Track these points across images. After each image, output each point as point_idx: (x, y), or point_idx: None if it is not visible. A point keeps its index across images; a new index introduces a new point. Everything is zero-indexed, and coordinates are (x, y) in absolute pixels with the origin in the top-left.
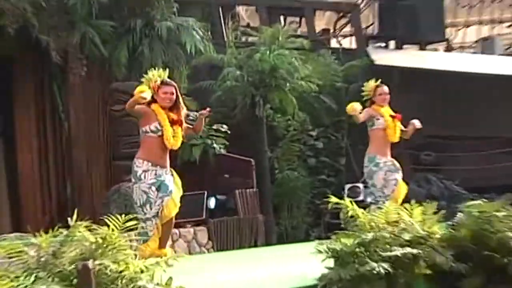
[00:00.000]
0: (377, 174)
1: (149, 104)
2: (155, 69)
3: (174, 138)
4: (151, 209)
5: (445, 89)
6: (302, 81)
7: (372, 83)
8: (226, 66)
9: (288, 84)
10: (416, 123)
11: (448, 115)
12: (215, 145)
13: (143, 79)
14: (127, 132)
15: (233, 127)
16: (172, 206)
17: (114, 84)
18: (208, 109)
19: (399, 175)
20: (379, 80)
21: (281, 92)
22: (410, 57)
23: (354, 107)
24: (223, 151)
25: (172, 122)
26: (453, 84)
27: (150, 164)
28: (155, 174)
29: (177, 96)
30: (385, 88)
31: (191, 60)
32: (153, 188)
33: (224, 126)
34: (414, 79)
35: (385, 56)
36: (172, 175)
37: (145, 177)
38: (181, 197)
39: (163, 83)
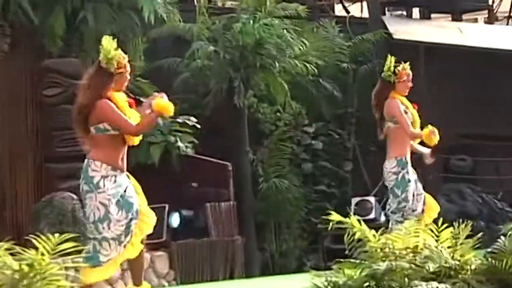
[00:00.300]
0: (411, 184)
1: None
2: (99, 42)
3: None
4: (109, 228)
5: (486, 74)
6: (296, 60)
7: (402, 64)
8: (195, 39)
9: (277, 64)
10: (435, 132)
11: (489, 110)
12: (180, 143)
13: (100, 52)
14: (64, 125)
15: (205, 120)
16: (139, 234)
17: (47, 62)
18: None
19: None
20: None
21: (268, 74)
22: (439, 31)
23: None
24: (190, 152)
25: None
26: (495, 67)
27: (110, 168)
28: (115, 182)
29: None
30: (410, 73)
31: (149, 31)
32: (113, 201)
33: (193, 118)
34: (445, 60)
35: (407, 28)
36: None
37: (104, 185)
38: None
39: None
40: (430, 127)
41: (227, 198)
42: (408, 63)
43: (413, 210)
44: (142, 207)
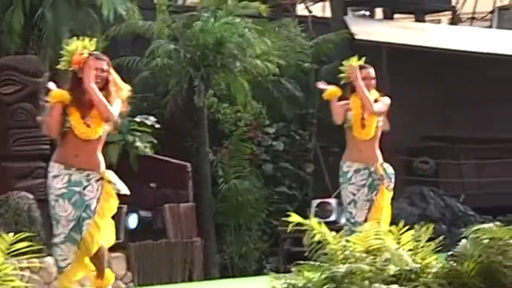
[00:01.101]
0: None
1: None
2: (58, 40)
3: (89, 127)
4: (57, 230)
5: (449, 76)
6: (258, 59)
7: (354, 62)
8: (155, 37)
9: (238, 64)
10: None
11: (452, 111)
12: (138, 143)
13: (63, 51)
14: (20, 124)
15: (164, 119)
16: (96, 232)
17: (4, 59)
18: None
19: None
20: (363, 59)
21: (229, 74)
22: (403, 31)
23: (335, 92)
24: (149, 152)
25: (88, 105)
26: (459, 68)
27: (62, 167)
28: (68, 181)
29: (109, 76)
30: (371, 71)
31: (108, 28)
32: (61, 201)
33: (152, 118)
34: (406, 61)
35: (370, 28)
36: (100, 180)
37: (56, 183)
38: None
39: (92, 56)
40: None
41: (186, 199)
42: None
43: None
44: (104, 214)
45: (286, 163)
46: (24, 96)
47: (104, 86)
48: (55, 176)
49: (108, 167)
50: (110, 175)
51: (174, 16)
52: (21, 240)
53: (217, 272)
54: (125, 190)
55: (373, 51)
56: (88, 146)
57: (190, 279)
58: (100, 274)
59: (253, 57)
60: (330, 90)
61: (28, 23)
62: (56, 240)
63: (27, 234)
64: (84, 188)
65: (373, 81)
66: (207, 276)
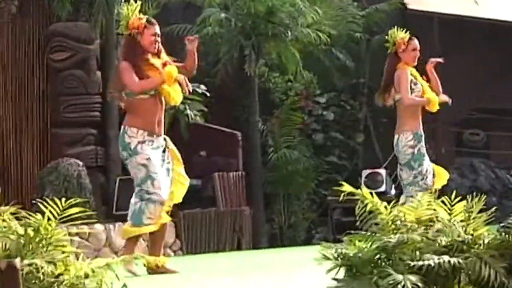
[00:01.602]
0: (426, 157)
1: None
2: (109, 7)
3: (175, 91)
4: (153, 186)
5: (501, 47)
6: (309, 29)
7: (401, 33)
8: (206, 5)
9: (289, 33)
10: (445, 98)
11: (503, 82)
12: (188, 111)
13: (121, 15)
14: (71, 91)
15: (215, 88)
16: (178, 193)
17: (55, 25)
18: (195, 36)
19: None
20: (406, 31)
21: (280, 43)
22: (454, 2)
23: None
24: (199, 120)
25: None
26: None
27: (146, 134)
28: (152, 145)
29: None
30: (417, 42)
31: None
32: (153, 161)
33: (202, 86)
34: (459, 32)
35: None
36: (167, 147)
37: (142, 148)
38: None
39: (148, 21)
40: (431, 95)
41: (236, 168)
42: (407, 33)
43: (426, 184)
44: (178, 178)
45: (336, 133)
46: (75, 62)
47: (160, 50)
48: (141, 142)
49: None
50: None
51: None
52: (72, 206)
53: (266, 241)
54: None
55: (425, 21)
56: (162, 113)
57: (239, 248)
58: (157, 251)
59: (304, 27)
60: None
61: None
62: (152, 196)
63: (78, 200)
64: (163, 151)
65: (416, 53)
66: (256, 245)
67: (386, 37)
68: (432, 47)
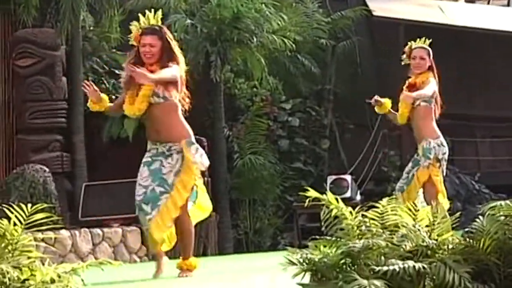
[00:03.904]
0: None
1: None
2: (74, 13)
3: (132, 103)
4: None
5: (466, 54)
6: (274, 35)
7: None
8: (172, 12)
9: (255, 39)
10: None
11: (468, 89)
12: None
13: (132, 27)
14: (37, 97)
15: None
16: (172, 206)
17: (21, 32)
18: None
19: None
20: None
21: (245, 49)
22: (420, 9)
23: (387, 105)
24: None
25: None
26: (477, 47)
27: (150, 143)
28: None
29: (163, 47)
30: (421, 51)
31: (125, 2)
32: (142, 168)
33: None
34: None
35: (387, 5)
36: (171, 154)
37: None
38: (104, 187)
39: (141, 32)
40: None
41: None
42: (411, 41)
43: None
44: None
45: (301, 139)
46: (41, 69)
47: (160, 59)
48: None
49: (124, 140)
50: (191, 147)
51: None
52: (38, 212)
53: (231, 247)
54: (205, 164)
55: (390, 29)
56: (154, 123)
57: (205, 254)
58: (186, 254)
59: (269, 33)
60: (383, 104)
61: None
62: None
63: (43, 206)
64: (166, 158)
65: (422, 61)
66: (222, 251)
67: (356, 44)
68: (398, 54)
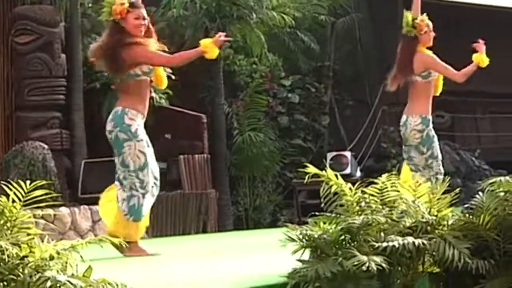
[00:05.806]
0: (435, 140)
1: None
2: None
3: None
4: (148, 175)
5: (467, 29)
6: (274, 11)
7: (421, 16)
8: None
9: (254, 15)
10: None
11: (467, 65)
12: (153, 94)
13: (104, 3)
14: (36, 74)
15: (179, 71)
16: None
17: (19, 8)
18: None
19: None
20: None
21: (244, 25)
22: None
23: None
24: (164, 103)
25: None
26: (478, 21)
27: (141, 116)
28: (143, 131)
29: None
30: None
31: None
32: (147, 149)
33: (167, 69)
34: (423, 13)
35: None
36: None
37: (140, 133)
38: (103, 164)
39: (131, 5)
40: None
41: (201, 150)
42: (425, 14)
43: (439, 167)
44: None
45: (301, 116)
46: (40, 46)
47: (146, 32)
48: (139, 126)
49: None
50: None
51: None
52: (37, 188)
53: (231, 224)
54: None
55: (389, 3)
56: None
57: (204, 231)
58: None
59: (269, 9)
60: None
61: None
62: (147, 187)
63: (43, 183)
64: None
65: (433, 33)
66: (221, 228)
67: (355, 20)
68: (397, 28)
